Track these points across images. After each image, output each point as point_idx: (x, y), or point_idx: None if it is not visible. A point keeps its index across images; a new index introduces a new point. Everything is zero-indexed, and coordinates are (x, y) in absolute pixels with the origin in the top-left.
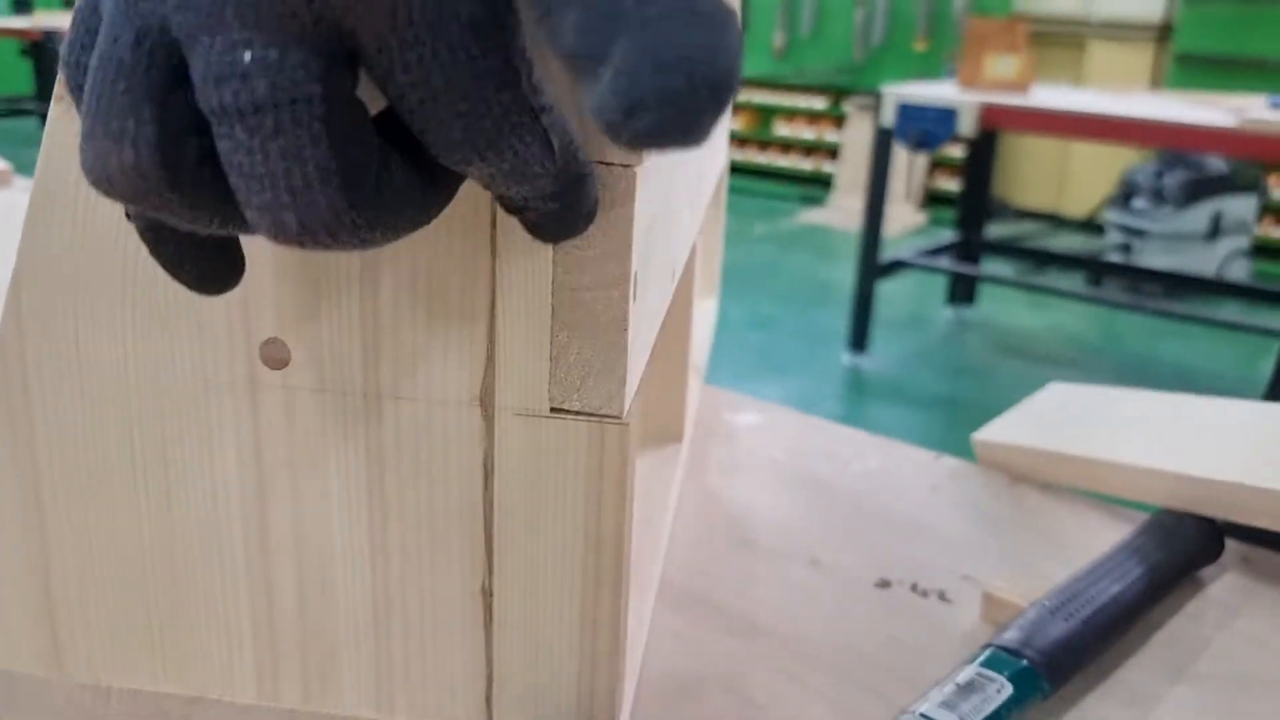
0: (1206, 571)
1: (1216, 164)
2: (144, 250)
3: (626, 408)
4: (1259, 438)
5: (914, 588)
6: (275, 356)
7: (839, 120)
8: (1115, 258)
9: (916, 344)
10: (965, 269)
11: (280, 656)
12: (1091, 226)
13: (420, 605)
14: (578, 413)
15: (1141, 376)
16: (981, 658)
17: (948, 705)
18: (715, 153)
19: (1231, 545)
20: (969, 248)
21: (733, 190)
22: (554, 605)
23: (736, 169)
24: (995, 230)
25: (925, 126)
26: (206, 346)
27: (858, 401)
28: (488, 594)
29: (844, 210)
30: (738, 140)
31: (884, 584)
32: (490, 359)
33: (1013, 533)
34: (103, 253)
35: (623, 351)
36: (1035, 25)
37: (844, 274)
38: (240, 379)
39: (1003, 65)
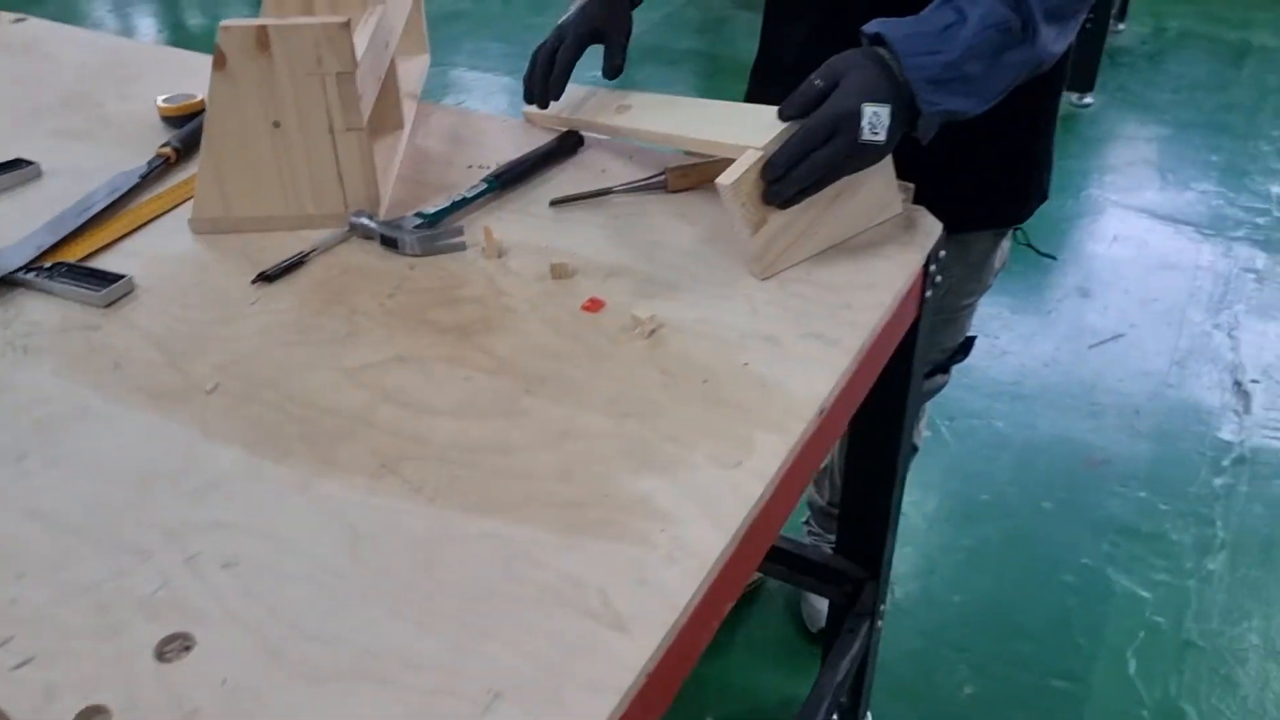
0: (581, 150)
1: None
2: None
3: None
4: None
5: (480, 167)
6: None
7: None
8: None
9: (669, 8)
10: None
11: None
12: None
13: None
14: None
15: None
16: (481, 176)
17: (460, 193)
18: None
19: (590, 140)
20: None
21: None
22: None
23: None
24: None
25: None
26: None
27: (627, 70)
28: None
29: None
30: None
31: (470, 166)
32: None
33: (531, 141)
34: None
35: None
36: None
37: None
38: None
39: None
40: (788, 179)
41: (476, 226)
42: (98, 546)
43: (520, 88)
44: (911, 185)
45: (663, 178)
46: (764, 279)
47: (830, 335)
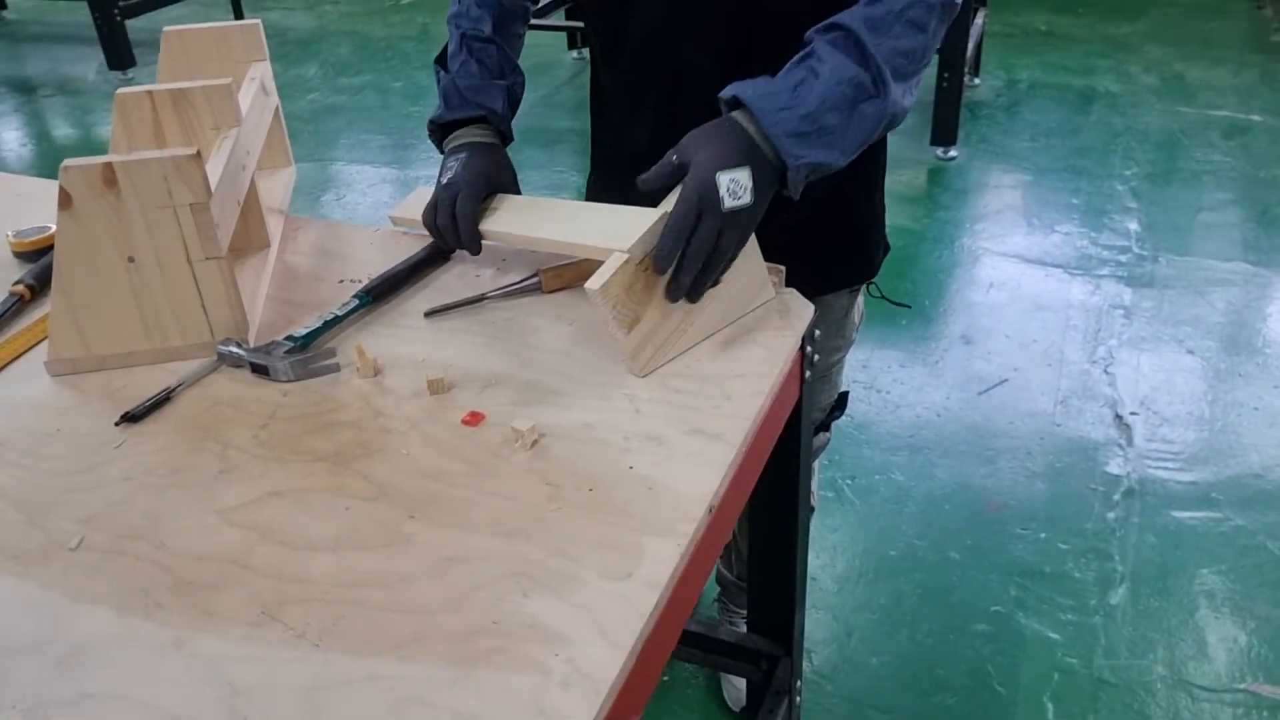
0: (453, 257)
1: None
2: None
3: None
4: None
5: (351, 281)
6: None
7: None
8: None
9: (546, 89)
10: (575, 24)
11: None
12: None
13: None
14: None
15: None
16: (353, 292)
17: (331, 311)
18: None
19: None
20: None
21: None
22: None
23: None
24: None
25: None
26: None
27: None
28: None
29: None
30: None
31: (340, 281)
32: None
33: (401, 250)
34: None
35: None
36: None
37: None
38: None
39: None
40: (682, 269)
41: (350, 344)
42: None
43: (400, 185)
44: (782, 268)
45: (537, 279)
46: (642, 376)
47: (713, 430)
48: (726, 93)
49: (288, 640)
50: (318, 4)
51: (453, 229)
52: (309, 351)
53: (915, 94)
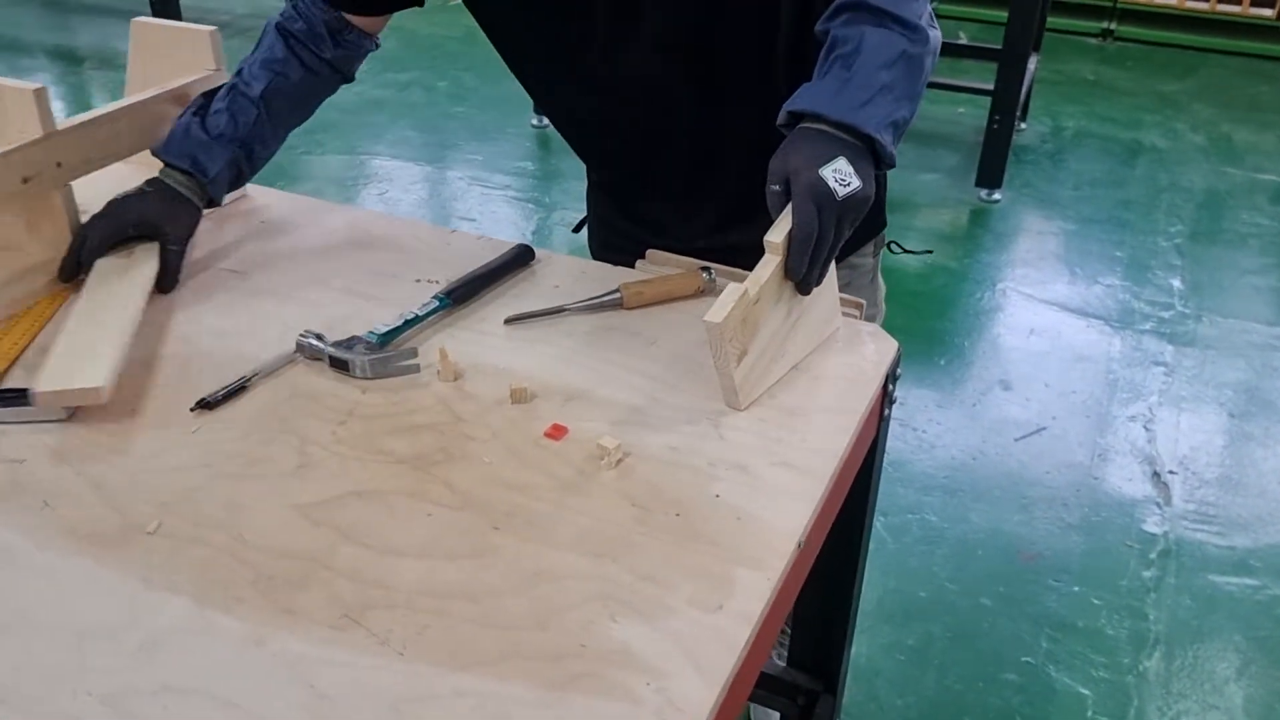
0: (533, 263)
1: None
2: None
3: None
4: None
5: (428, 281)
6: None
7: None
8: None
9: None
10: None
11: None
12: None
13: None
14: None
15: None
16: (433, 294)
17: (411, 311)
18: None
19: (542, 254)
20: None
21: None
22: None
23: None
24: None
25: None
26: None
27: (544, 157)
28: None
29: None
30: None
31: (417, 281)
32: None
33: (479, 253)
34: None
35: None
36: None
37: None
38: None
39: None
40: (813, 264)
41: (427, 346)
42: (29, 717)
43: (441, 184)
44: (862, 301)
45: (618, 295)
46: (744, 409)
47: (801, 464)
48: (788, 107)
49: (371, 646)
50: None
51: (78, 246)
52: (389, 349)
53: (936, 24)
